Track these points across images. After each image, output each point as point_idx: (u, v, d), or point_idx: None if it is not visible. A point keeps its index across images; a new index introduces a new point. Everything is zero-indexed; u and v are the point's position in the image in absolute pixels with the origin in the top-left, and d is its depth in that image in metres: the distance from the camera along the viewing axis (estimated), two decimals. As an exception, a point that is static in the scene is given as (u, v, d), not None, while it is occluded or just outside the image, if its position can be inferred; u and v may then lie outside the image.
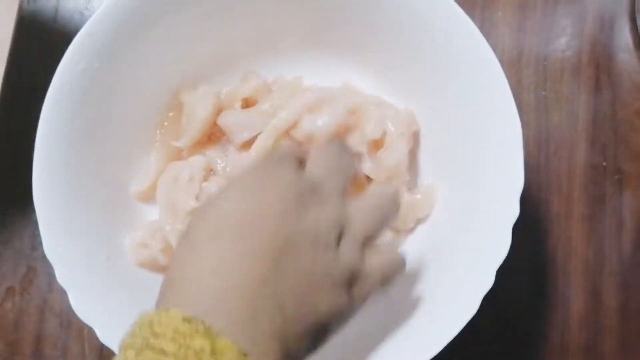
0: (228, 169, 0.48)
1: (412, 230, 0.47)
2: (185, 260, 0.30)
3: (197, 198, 0.46)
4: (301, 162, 0.36)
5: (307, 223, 0.32)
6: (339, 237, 0.33)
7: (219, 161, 0.48)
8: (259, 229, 0.30)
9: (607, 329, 0.49)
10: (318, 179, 0.34)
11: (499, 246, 0.39)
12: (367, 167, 0.45)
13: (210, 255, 0.29)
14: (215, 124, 0.47)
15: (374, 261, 0.34)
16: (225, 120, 0.47)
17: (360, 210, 0.35)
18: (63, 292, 0.40)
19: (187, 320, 0.26)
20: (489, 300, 0.39)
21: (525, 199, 0.40)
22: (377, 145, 0.46)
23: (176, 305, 0.27)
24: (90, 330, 0.39)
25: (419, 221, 0.46)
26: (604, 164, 0.51)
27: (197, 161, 0.47)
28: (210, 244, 0.29)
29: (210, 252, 0.29)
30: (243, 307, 0.28)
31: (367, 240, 0.35)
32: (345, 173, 0.36)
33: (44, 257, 0.40)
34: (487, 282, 0.38)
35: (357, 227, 0.34)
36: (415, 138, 0.47)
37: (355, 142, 0.45)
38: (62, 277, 0.40)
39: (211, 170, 0.48)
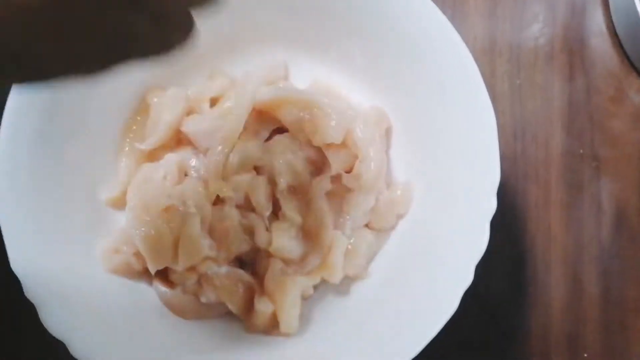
0: (202, 171, 0.47)
1: (393, 227, 0.46)
2: None
3: (169, 196, 0.45)
4: None
5: None
6: None
7: (192, 162, 0.47)
8: None
9: (589, 317, 0.48)
10: None
11: (477, 242, 0.38)
12: (346, 180, 0.45)
13: None
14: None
15: None
16: (189, 128, 0.46)
17: None
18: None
19: None
20: (468, 293, 0.38)
21: (503, 189, 0.40)
22: (344, 145, 0.45)
23: None
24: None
25: (399, 217, 0.46)
26: (581, 151, 0.51)
27: (171, 159, 0.46)
28: None
29: None
30: None
31: None
32: None
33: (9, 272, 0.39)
34: (466, 279, 0.38)
35: None
36: (387, 135, 0.47)
37: (316, 141, 0.45)
38: (30, 291, 0.39)
39: (185, 173, 0.47)
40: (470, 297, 0.38)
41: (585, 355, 0.48)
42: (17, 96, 0.41)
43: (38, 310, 0.38)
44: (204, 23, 0.46)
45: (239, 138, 0.46)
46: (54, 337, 0.38)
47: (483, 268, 0.39)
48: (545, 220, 0.50)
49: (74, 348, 0.38)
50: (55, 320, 0.38)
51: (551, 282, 0.49)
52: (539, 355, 0.48)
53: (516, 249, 0.49)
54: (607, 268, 0.49)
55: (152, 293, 0.46)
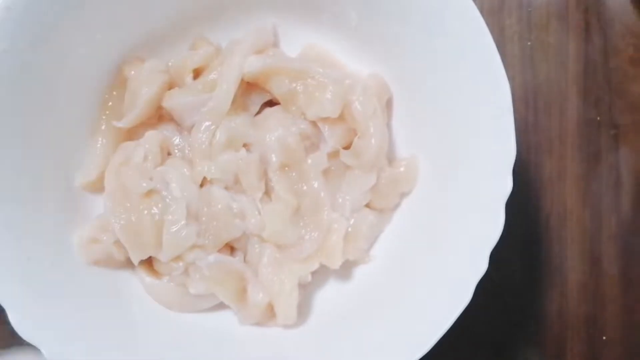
0: (186, 150, 0.43)
1: (397, 207, 0.42)
2: None
3: (151, 179, 0.41)
4: None
5: None
6: None
7: (176, 140, 0.43)
8: None
9: (607, 298, 0.46)
10: None
11: (491, 226, 0.35)
12: (345, 157, 0.41)
13: None
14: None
15: None
16: (171, 103, 0.42)
17: None
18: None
19: None
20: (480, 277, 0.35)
21: (514, 162, 0.36)
22: (342, 119, 0.41)
23: None
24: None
25: (403, 196, 0.42)
26: (598, 118, 0.47)
27: (152, 137, 0.42)
28: None
29: None
30: None
31: None
32: None
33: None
34: (480, 267, 0.34)
35: None
36: (389, 106, 0.43)
37: (310, 115, 0.41)
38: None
39: (168, 153, 0.43)
40: (480, 281, 0.35)
41: (604, 337, 0.45)
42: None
43: (7, 312, 0.35)
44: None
45: (226, 113, 0.42)
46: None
47: (494, 248, 0.36)
48: (560, 195, 0.47)
49: (48, 353, 0.34)
50: (27, 323, 0.35)
51: (567, 261, 0.46)
52: (555, 338, 0.46)
53: (529, 226, 0.46)
54: (627, 245, 0.46)
55: (136, 283, 0.42)
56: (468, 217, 0.36)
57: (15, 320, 0.35)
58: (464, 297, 0.34)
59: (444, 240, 0.37)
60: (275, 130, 0.42)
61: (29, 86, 0.39)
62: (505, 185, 0.35)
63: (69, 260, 0.40)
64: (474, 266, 0.35)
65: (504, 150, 0.35)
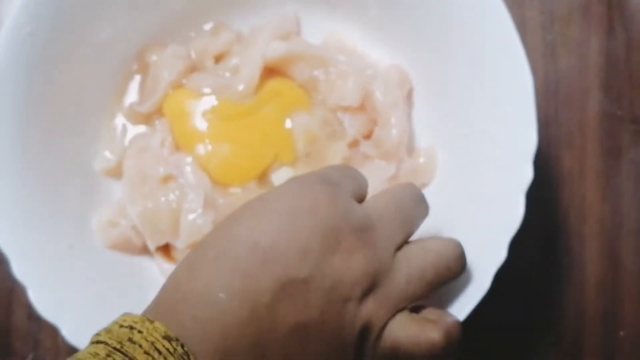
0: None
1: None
2: (183, 275, 0.28)
3: (168, 165, 0.41)
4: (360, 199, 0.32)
5: (331, 268, 0.28)
6: (367, 292, 0.29)
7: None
8: (266, 266, 0.27)
9: (626, 293, 0.45)
10: (375, 219, 0.30)
11: (511, 216, 0.34)
12: (366, 148, 0.41)
13: (205, 280, 0.27)
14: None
15: (408, 332, 0.30)
16: (193, 84, 0.42)
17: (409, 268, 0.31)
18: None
19: (168, 338, 0.25)
20: (498, 271, 0.35)
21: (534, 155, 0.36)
22: (362, 109, 0.41)
23: (163, 318, 0.26)
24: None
25: (422, 187, 0.42)
26: (619, 112, 0.47)
27: (166, 123, 0.42)
28: (210, 268, 0.27)
29: (206, 276, 0.27)
30: (220, 344, 0.26)
31: (409, 304, 0.31)
32: (411, 227, 0.32)
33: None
34: (499, 256, 0.34)
35: (397, 287, 0.30)
36: (409, 97, 0.43)
37: (330, 104, 0.41)
38: (20, 270, 0.35)
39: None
40: (498, 273, 0.35)
41: (622, 333, 0.45)
42: (2, 50, 0.37)
43: (28, 290, 0.35)
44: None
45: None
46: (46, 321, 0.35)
47: (512, 242, 0.35)
48: (580, 189, 0.46)
49: (67, 332, 0.35)
50: (48, 302, 0.35)
51: (586, 256, 0.45)
52: (572, 333, 0.45)
53: (548, 221, 0.46)
54: (647, 241, 0.45)
55: (154, 269, 0.42)
56: (488, 206, 0.36)
57: (35, 298, 0.35)
58: (482, 286, 0.34)
59: (463, 229, 0.37)
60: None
61: (50, 70, 0.39)
62: (526, 175, 0.35)
63: (89, 244, 0.40)
64: (493, 255, 0.34)
65: (525, 140, 0.35)
